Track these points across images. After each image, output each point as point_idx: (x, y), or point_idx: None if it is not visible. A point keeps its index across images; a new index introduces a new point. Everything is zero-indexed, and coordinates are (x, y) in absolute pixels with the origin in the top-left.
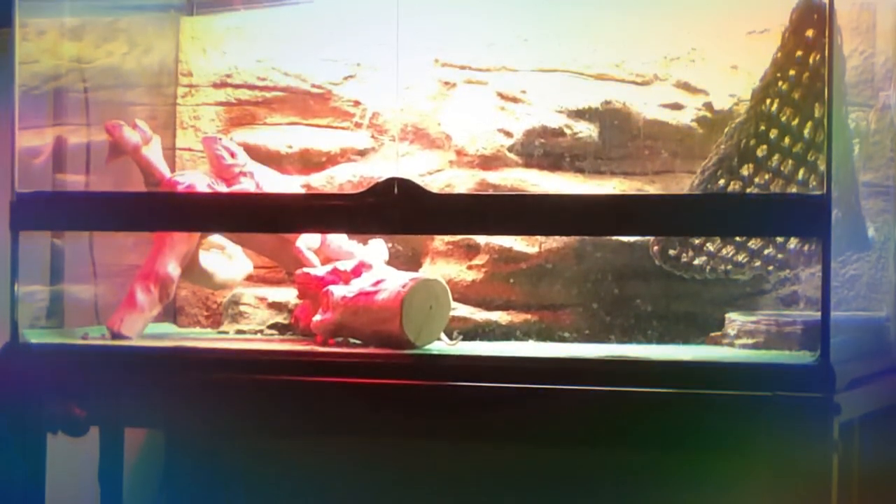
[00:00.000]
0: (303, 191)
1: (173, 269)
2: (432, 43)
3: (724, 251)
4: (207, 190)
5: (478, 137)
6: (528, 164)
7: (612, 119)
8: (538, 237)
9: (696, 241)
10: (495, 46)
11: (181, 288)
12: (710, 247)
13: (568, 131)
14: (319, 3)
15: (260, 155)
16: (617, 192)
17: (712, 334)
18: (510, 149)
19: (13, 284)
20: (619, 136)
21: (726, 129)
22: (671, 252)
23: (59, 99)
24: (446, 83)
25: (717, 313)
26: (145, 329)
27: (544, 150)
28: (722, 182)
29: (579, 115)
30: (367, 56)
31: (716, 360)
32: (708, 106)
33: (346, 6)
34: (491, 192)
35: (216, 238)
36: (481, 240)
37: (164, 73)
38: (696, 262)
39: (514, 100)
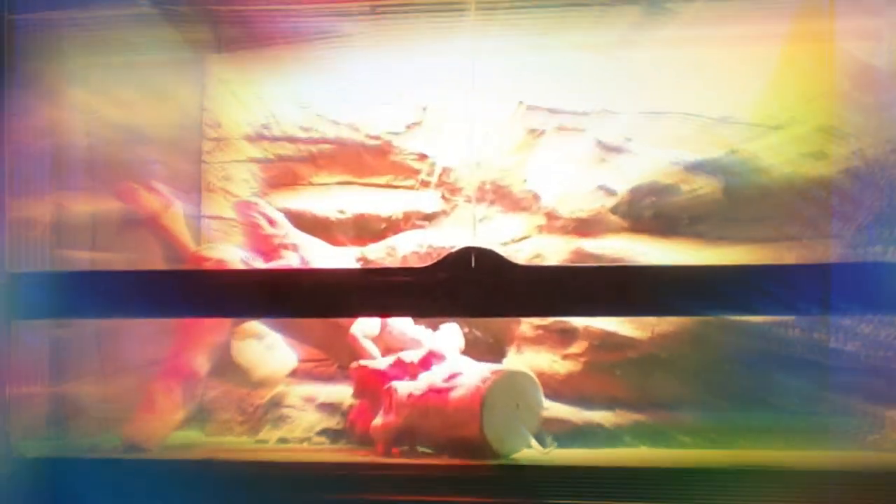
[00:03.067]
0: (359, 265)
1: (201, 364)
2: (516, 83)
3: (883, 334)
4: (242, 266)
5: (573, 196)
6: (635, 229)
7: (738, 172)
8: (649, 319)
9: (847, 322)
10: (593, 86)
11: (210, 387)
12: (864, 329)
13: (684, 187)
14: (376, 36)
15: (305, 222)
16: (745, 262)
17: (871, 437)
18: (613, 210)
19: (4, 385)
20: (749, 193)
21: (882, 182)
22: (816, 336)
23: (61, 158)
24: (533, 131)
25: (876, 411)
26: (167, 438)
27: (655, 210)
28: (879, 248)
29: (698, 167)
30: (436, 100)
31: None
32: (859, 154)
33: (409, 38)
34: (590, 264)
35: (253, 325)
36: (579, 323)
37: (186, 124)
38: (849, 347)
39: (618, 150)
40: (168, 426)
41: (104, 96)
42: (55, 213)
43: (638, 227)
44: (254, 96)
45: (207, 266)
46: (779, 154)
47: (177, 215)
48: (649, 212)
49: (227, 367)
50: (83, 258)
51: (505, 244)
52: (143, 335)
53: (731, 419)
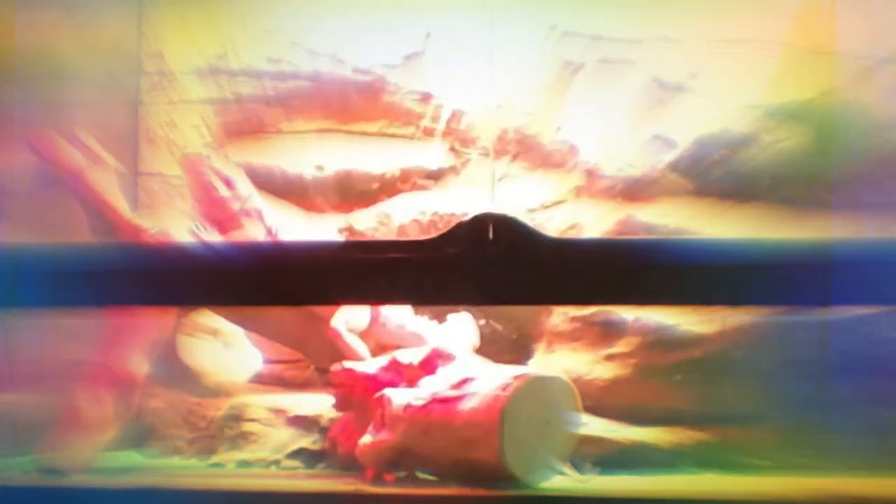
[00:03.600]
0: (342, 238)
1: (138, 365)
2: (547, 1)
3: None
4: (190, 239)
5: (620, 149)
6: (700, 192)
7: (835, 119)
8: (717, 309)
9: None
10: (646, 5)
11: (151, 396)
12: None
13: (765, 138)
14: None
15: (273, 182)
16: (843, 237)
17: None
18: (672, 167)
19: None
20: (848, 146)
21: None
22: None
23: None
24: (569, 64)
25: None
26: (96, 460)
27: (726, 168)
28: None
29: (783, 112)
30: (443, 23)
31: None
32: None
33: None
34: (642, 237)
35: (206, 317)
36: (627, 313)
37: (119, 55)
38: None
39: (678, 89)
40: (97, 445)
41: (11, 19)
42: None
43: (704, 189)
44: (206, 19)
45: (145, 239)
46: (890, 95)
47: (106, 173)
48: (718, 170)
49: (172, 370)
50: None
51: (532, 211)
52: (65, 329)
53: (820, 438)
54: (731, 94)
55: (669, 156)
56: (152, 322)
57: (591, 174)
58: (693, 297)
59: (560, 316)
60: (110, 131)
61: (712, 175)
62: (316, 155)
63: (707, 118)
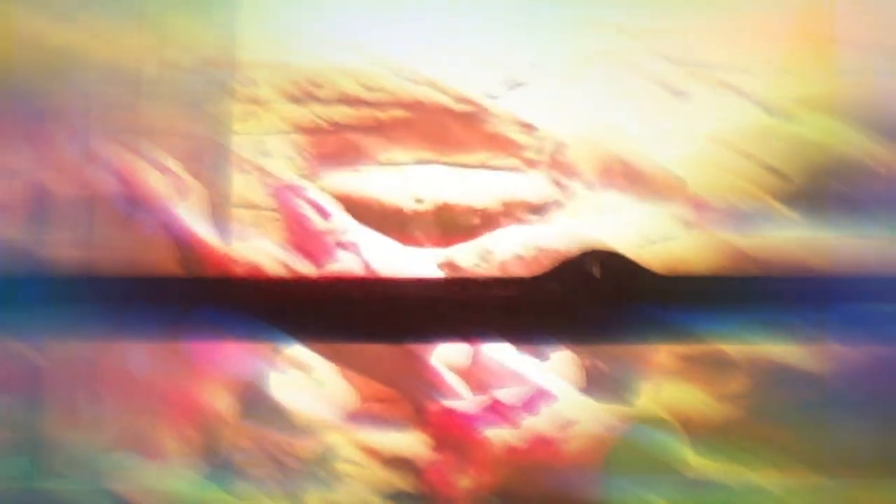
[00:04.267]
0: (442, 273)
1: (225, 401)
2: (655, 27)
3: None
4: (283, 273)
5: (731, 179)
6: (813, 224)
7: None
8: (833, 346)
9: None
10: (754, 34)
11: (239, 434)
12: None
13: (881, 169)
14: None
15: (370, 213)
16: None
17: None
18: (783, 196)
19: None
20: None
21: None
22: None
23: (40, 124)
24: (676, 92)
25: None
26: (180, 499)
27: (841, 195)
28: None
29: None
30: (546, 51)
31: None
32: None
33: None
34: (753, 272)
35: (297, 352)
36: (738, 352)
37: (211, 81)
38: None
39: (789, 117)
40: (181, 483)
41: (96, 40)
42: (35, 197)
43: (818, 221)
44: (302, 44)
45: (236, 271)
46: None
47: (195, 203)
48: (833, 197)
49: (261, 406)
50: (71, 258)
51: (640, 246)
52: (151, 362)
53: None
54: (845, 123)
55: (781, 188)
56: (241, 356)
57: (700, 205)
58: (808, 334)
59: (668, 355)
60: (200, 160)
61: (825, 207)
62: (415, 186)
63: (819, 148)
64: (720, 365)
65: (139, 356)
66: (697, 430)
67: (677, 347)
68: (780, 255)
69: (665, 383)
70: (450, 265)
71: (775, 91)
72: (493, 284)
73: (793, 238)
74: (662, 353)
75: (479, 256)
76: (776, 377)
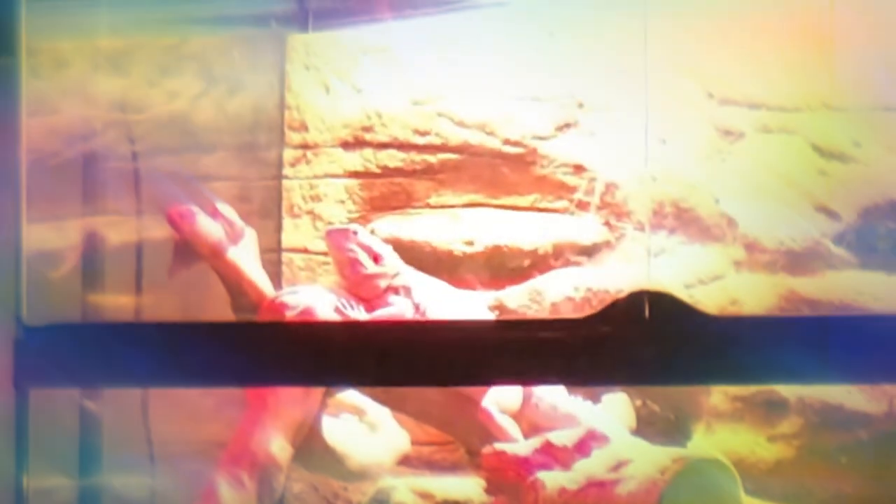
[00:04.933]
0: (493, 316)
1: (280, 447)
2: (703, 69)
3: None
4: (336, 317)
5: (782, 221)
6: (867, 265)
7: None
8: (888, 387)
9: None
10: (805, 73)
11: (294, 479)
12: None
13: None
14: (516, 6)
15: (422, 256)
16: None
17: None
18: (836, 239)
19: (20, 475)
20: None
21: None
22: None
23: (92, 171)
24: (728, 133)
25: None
26: None
27: (893, 239)
28: None
29: None
30: (596, 93)
31: None
32: None
33: (555, 13)
34: (806, 313)
35: (351, 396)
36: (790, 392)
37: (261, 125)
38: None
39: (841, 158)
40: None
41: (150, 87)
42: (87, 243)
43: (871, 261)
44: (351, 88)
45: (289, 317)
46: None
47: (248, 248)
48: (886, 241)
49: (315, 451)
50: (124, 304)
51: (690, 287)
52: (204, 408)
53: None
54: None
55: (833, 227)
56: (296, 402)
57: (750, 247)
58: (860, 374)
59: (720, 395)
60: (252, 205)
61: (878, 247)
62: (465, 229)
63: (872, 187)
64: (772, 406)
65: (198, 403)
66: (750, 471)
67: (730, 388)
68: (833, 295)
69: (717, 424)
70: (500, 307)
71: (828, 131)
72: (543, 326)
73: (845, 278)
74: (715, 393)
75: (529, 298)
76: (829, 418)
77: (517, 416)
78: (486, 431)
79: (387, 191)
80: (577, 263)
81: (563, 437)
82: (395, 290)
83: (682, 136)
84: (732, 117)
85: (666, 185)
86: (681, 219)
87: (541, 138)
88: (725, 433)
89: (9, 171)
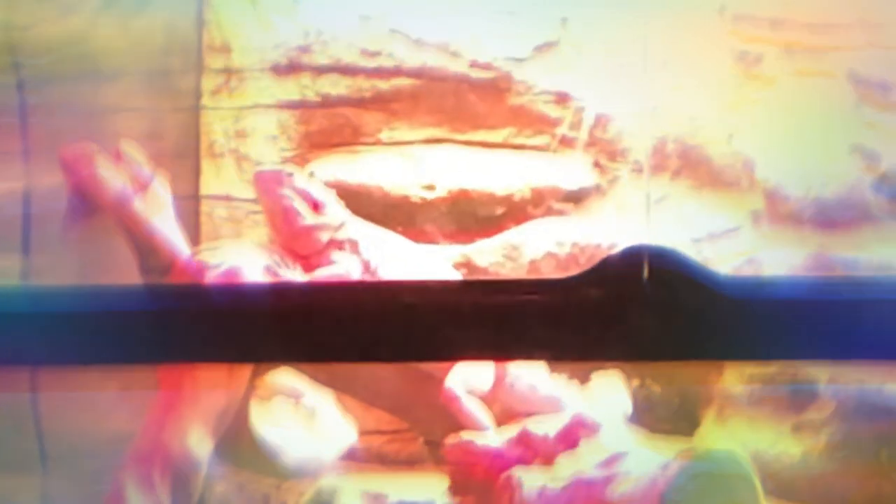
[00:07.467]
0: (459, 275)
1: (198, 440)
2: None
3: None
4: (267, 279)
5: (810, 165)
6: None
7: None
8: None
9: None
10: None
11: (217, 478)
12: None
13: None
14: None
15: (371, 204)
16: None
17: None
18: (876, 187)
19: None
20: None
21: None
22: None
23: None
24: (744, 55)
25: None
26: None
27: None
28: None
29: None
30: (583, 5)
31: None
32: None
33: None
34: (838, 275)
35: (284, 376)
36: (819, 373)
37: (174, 46)
38: None
39: (885, 88)
40: None
41: (42, 5)
42: None
43: None
44: (285, 2)
45: (209, 279)
46: None
47: (159, 197)
48: None
49: (241, 444)
50: (6, 267)
51: (698, 242)
52: (106, 394)
53: None
54: None
55: (873, 174)
56: (217, 385)
57: (772, 196)
58: None
59: (734, 376)
60: (164, 144)
61: None
62: (424, 171)
63: None
64: (796, 390)
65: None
66: (771, 467)
67: (745, 368)
68: (871, 253)
69: (731, 410)
70: (468, 265)
71: (870, 57)
72: (520, 288)
73: (886, 232)
74: (727, 374)
75: (503, 254)
76: (866, 403)
77: (488, 399)
78: (450, 417)
79: (328, 124)
80: (561, 212)
81: (543, 426)
82: (340, 245)
83: (688, 58)
84: (750, 36)
85: (668, 118)
86: (687, 159)
87: (516, 60)
88: (740, 421)
89: None
